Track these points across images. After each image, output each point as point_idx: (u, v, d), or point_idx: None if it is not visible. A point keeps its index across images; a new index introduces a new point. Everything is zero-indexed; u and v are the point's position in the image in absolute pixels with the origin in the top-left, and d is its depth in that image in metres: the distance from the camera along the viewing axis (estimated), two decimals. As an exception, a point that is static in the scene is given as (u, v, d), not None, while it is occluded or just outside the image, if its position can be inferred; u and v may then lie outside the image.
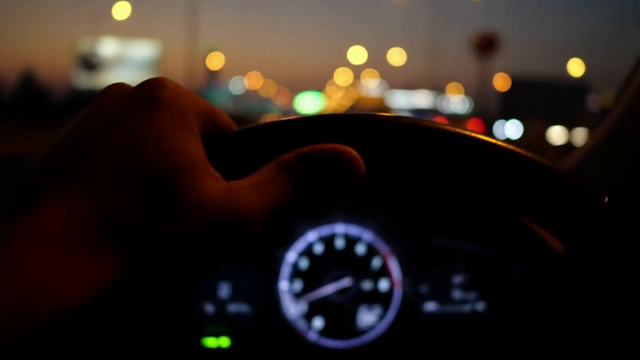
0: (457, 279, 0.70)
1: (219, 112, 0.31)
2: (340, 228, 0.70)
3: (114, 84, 0.30)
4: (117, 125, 0.26)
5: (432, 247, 0.69)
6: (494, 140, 0.42)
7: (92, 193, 0.24)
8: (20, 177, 0.26)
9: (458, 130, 0.41)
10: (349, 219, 0.69)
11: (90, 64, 34.63)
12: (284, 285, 0.68)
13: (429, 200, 0.50)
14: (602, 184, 0.67)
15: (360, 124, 0.38)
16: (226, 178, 0.29)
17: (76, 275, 0.23)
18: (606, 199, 0.43)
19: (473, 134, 0.40)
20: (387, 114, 0.40)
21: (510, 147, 0.42)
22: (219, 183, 0.28)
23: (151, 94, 0.27)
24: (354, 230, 0.70)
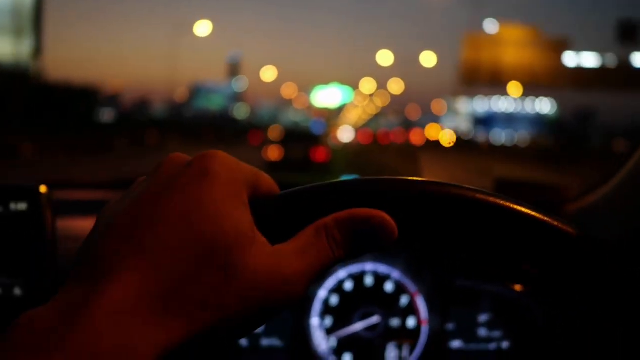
0: (483, 318, 0.72)
1: (263, 176, 0.35)
2: (369, 266, 0.72)
3: (172, 156, 0.33)
4: (176, 198, 0.30)
5: (458, 288, 0.71)
6: (507, 204, 0.44)
7: (158, 263, 0.28)
8: (89, 243, 0.29)
9: (480, 195, 0.43)
10: (378, 257, 0.72)
11: None
12: (315, 321, 0.71)
13: (454, 246, 0.53)
14: (617, 228, 0.68)
15: (393, 189, 0.41)
16: (271, 240, 0.32)
17: (146, 341, 0.26)
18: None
19: (490, 199, 0.43)
20: (418, 179, 0.42)
21: (525, 210, 0.44)
22: (266, 249, 0.31)
23: (205, 167, 0.31)
24: (382, 268, 0.72)
